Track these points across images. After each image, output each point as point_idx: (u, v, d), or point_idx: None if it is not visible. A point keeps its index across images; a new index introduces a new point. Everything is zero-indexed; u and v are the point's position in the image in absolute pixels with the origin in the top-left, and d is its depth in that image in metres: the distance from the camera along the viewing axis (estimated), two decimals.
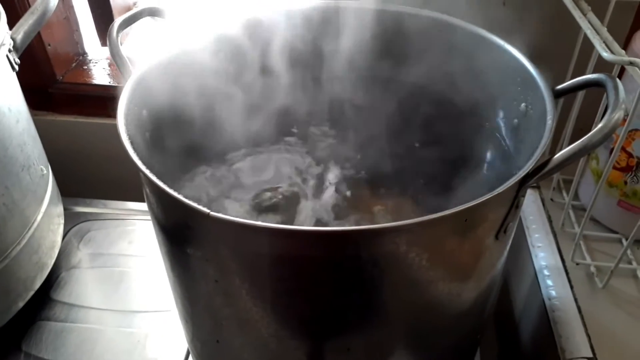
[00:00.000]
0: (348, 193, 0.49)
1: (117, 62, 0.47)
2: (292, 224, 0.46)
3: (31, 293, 0.62)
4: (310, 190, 0.50)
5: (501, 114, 0.51)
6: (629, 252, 0.57)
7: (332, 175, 0.51)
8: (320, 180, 0.51)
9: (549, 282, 0.55)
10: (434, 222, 0.33)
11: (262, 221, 0.34)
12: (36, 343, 0.61)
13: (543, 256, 0.58)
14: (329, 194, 0.49)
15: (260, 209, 0.48)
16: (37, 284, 0.62)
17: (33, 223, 0.60)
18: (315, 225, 0.46)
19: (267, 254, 0.36)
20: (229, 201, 0.48)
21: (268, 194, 0.49)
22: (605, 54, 0.43)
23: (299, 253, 0.35)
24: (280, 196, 0.49)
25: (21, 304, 0.60)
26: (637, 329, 0.51)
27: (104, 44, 0.90)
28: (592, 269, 0.56)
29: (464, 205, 0.34)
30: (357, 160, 0.52)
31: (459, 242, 0.37)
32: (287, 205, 0.48)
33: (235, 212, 0.47)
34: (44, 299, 0.65)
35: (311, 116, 0.56)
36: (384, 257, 0.35)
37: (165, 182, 0.36)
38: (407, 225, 0.33)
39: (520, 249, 0.61)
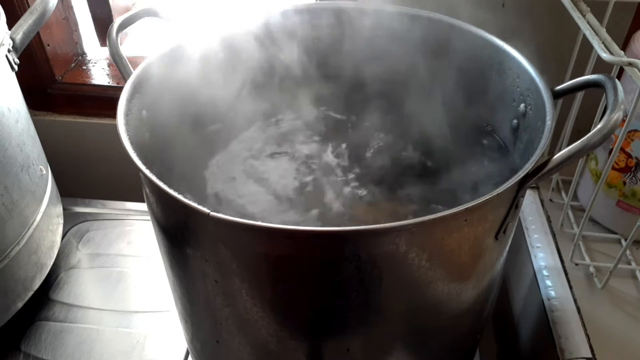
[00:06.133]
0: (345, 191, 0.49)
1: (116, 62, 0.47)
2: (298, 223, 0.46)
3: (30, 293, 0.62)
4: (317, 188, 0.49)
5: (500, 115, 0.51)
6: (628, 252, 0.57)
7: (329, 175, 0.51)
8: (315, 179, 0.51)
9: (548, 283, 0.55)
10: (434, 222, 0.33)
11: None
12: (35, 343, 0.61)
13: (542, 256, 0.58)
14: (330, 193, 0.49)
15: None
16: (36, 284, 0.62)
17: (32, 223, 0.60)
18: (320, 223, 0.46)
19: (267, 254, 0.36)
20: (228, 200, 0.48)
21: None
22: (604, 55, 0.43)
23: (299, 253, 0.35)
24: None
25: (20, 304, 0.60)
26: (636, 329, 0.51)
27: (103, 44, 0.90)
28: (591, 269, 0.56)
29: (463, 206, 0.34)
30: (354, 160, 0.52)
31: (458, 242, 0.37)
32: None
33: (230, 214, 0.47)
34: (43, 299, 0.65)
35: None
36: (384, 257, 0.35)
37: (165, 182, 0.36)
38: (407, 226, 0.33)
39: (520, 250, 0.61)
